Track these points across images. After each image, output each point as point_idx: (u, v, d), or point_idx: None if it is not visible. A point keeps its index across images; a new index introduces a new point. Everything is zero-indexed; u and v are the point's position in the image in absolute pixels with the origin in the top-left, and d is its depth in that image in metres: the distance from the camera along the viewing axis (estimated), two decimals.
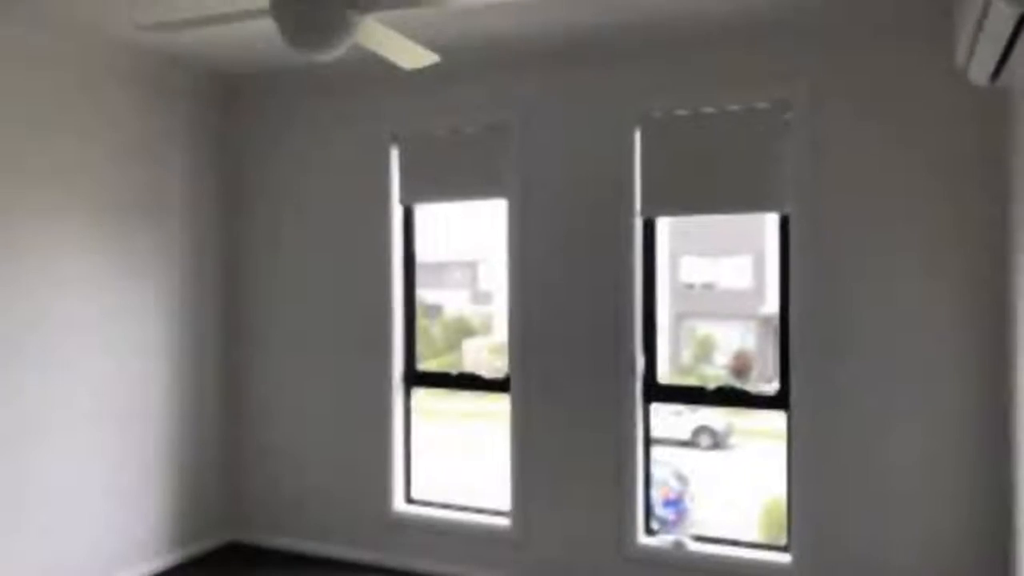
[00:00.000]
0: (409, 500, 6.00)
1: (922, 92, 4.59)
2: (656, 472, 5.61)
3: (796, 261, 4.87)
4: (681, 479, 8.36)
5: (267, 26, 4.51)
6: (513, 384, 5.58)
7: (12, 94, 4.86)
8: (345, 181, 6.01)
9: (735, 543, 5.23)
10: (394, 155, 5.88)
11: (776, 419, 5.10)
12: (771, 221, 5.20)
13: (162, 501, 5.82)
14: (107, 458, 5.41)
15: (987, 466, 4.51)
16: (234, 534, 6.41)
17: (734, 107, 5.01)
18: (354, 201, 5.98)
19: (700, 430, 9.37)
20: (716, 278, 10.04)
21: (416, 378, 6.00)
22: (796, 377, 4.89)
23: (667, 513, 7.90)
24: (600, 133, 5.31)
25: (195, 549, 6.08)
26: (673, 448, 8.98)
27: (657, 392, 5.35)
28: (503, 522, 5.65)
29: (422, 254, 6.02)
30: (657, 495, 6.53)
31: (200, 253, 6.11)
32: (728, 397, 5.38)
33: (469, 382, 5.96)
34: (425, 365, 6.18)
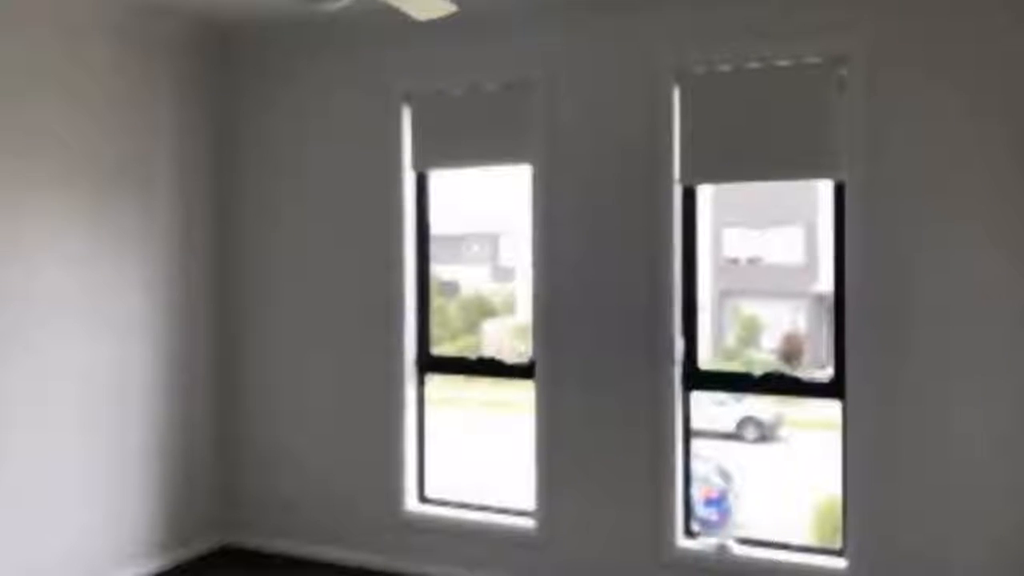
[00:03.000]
0: (423, 499, 6.03)
1: (993, 45, 4.55)
2: (697, 468, 5.64)
3: (852, 233, 4.85)
4: (724, 476, 8.39)
5: None
6: (538, 370, 5.59)
7: None
8: (351, 145, 6.02)
9: (784, 546, 5.24)
10: (406, 116, 5.88)
11: (830, 409, 5.10)
12: (824, 189, 5.19)
13: (147, 501, 5.86)
14: (86, 453, 5.44)
15: None
16: (228, 536, 6.45)
17: (783, 62, 4.98)
18: (361, 167, 5.99)
19: (746, 421, 9.39)
20: (763, 252, 10.04)
21: (430, 363, 6.02)
22: (852, 362, 4.88)
23: (709, 513, 7.93)
24: (635, 91, 5.30)
25: (184, 553, 6.12)
26: (716, 441, 9.01)
27: (698, 379, 5.35)
28: (527, 523, 5.67)
29: (437, 226, 6.03)
30: (698, 493, 6.56)
31: (189, 224, 6.13)
32: (777, 384, 5.38)
33: (489, 368, 5.98)
34: (440, 349, 6.21)
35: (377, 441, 5.98)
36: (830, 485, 5.42)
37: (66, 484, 5.31)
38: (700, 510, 6.93)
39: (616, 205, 5.34)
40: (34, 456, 5.12)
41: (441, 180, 6.02)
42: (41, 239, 5.14)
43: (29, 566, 5.09)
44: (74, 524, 5.36)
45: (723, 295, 9.94)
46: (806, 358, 9.40)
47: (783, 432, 9.48)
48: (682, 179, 5.23)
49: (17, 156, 5.00)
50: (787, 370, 8.64)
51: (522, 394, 5.76)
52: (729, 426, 9.30)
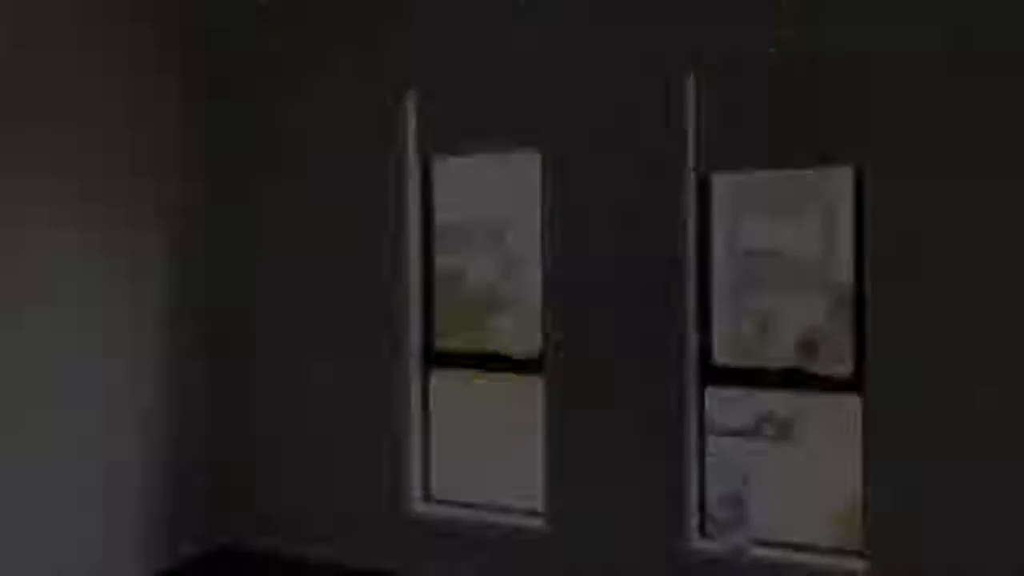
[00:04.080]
0: (428, 498, 6.04)
1: (1017, 28, 4.53)
2: (712, 466, 5.61)
3: (872, 223, 4.84)
4: (741, 475, 8.36)
5: None
6: (547, 365, 5.59)
7: None
8: (353, 132, 6.01)
9: (803, 548, 5.24)
10: (410, 103, 5.87)
11: (851, 405, 5.09)
12: (844, 177, 5.16)
13: (142, 501, 5.88)
14: (79, 452, 5.46)
15: None
16: (226, 537, 6.47)
17: (802, 47, 4.96)
18: (364, 154, 5.99)
19: (762, 418, 9.34)
20: (780, 243, 9.99)
21: (435, 358, 6.03)
22: (873, 356, 4.87)
23: (725, 513, 7.90)
24: (648, 77, 5.28)
25: (181, 555, 6.14)
26: (731, 439, 8.97)
27: (713, 374, 5.36)
28: (535, 523, 5.68)
29: (442, 215, 6.03)
30: (713, 493, 6.53)
31: (186, 216, 6.14)
32: (795, 380, 5.38)
33: (496, 362, 5.98)
34: (445, 343, 6.19)
35: (380, 439, 5.98)
36: (850, 484, 5.40)
37: (64, 484, 5.32)
38: (715, 510, 6.90)
39: (628, 195, 5.33)
40: (32, 457, 5.13)
41: (447, 168, 6.00)
42: (34, 234, 5.14)
43: (28, 566, 5.10)
44: (72, 525, 5.37)
45: (739, 287, 9.90)
46: (825, 353, 9.36)
47: (801, 429, 9.43)
48: (697, 168, 5.21)
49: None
50: (806, 365, 8.60)
51: (531, 390, 5.75)
52: (746, 423, 9.26)
